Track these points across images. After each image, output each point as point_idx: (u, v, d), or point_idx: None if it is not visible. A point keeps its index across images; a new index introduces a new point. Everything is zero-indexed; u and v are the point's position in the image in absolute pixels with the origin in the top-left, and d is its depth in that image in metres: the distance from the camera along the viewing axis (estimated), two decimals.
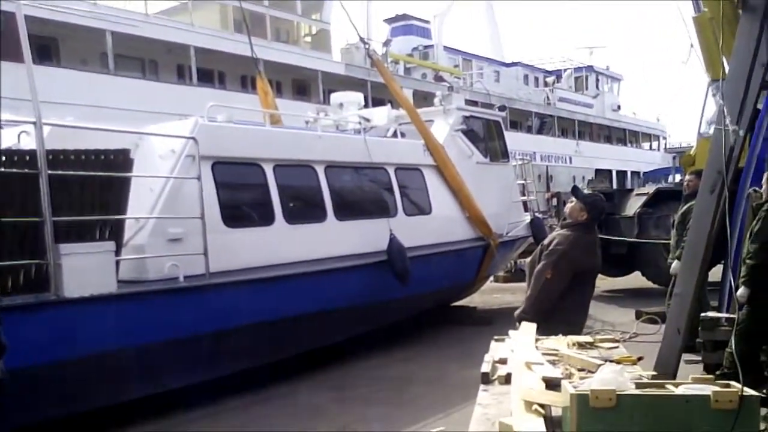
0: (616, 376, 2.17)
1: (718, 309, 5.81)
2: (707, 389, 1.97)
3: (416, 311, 8.16)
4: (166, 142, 5.69)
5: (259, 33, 19.44)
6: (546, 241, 4.09)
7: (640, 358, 2.75)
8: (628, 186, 31.38)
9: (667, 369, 3.79)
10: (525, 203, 10.59)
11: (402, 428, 4.76)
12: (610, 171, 36.32)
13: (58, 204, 4.64)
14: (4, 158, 4.53)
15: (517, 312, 3.98)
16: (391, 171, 7.94)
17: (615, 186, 30.45)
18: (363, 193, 7.68)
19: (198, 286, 5.39)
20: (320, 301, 6.36)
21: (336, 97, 9.73)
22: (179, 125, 5.97)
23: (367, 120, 8.74)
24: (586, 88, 39.17)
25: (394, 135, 8.78)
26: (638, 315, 8.27)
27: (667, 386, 2.08)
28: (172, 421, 5.12)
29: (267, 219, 6.34)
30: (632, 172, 37.51)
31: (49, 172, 4.59)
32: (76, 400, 4.70)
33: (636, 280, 11.26)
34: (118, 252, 5.00)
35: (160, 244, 5.37)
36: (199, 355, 5.42)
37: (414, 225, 7.87)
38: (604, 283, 11.96)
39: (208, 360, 5.50)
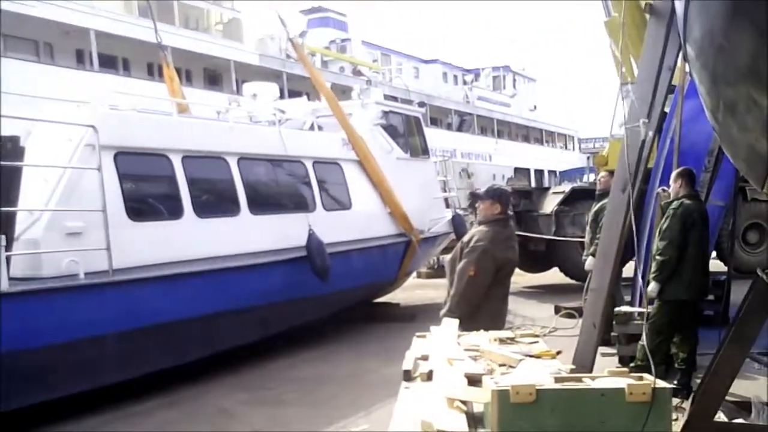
0: (536, 371, 2.23)
1: (631, 303, 6.02)
2: (622, 382, 2.02)
3: (337, 309, 8.08)
4: (62, 129, 5.36)
5: (167, 19, 18.69)
6: (465, 239, 4.11)
7: (558, 352, 2.79)
8: (546, 184, 32.36)
9: (584, 362, 3.89)
10: (446, 200, 10.72)
11: (320, 426, 4.68)
12: (528, 170, 37.36)
13: None
14: None
15: (443, 311, 3.96)
16: (309, 164, 7.82)
17: (533, 184, 31.52)
18: (279, 187, 7.52)
19: (99, 283, 5.11)
20: (234, 299, 6.16)
21: (249, 87, 9.51)
22: (77, 112, 5.64)
23: (283, 112, 8.60)
24: (504, 88, 40.32)
25: (312, 128, 8.70)
26: (557, 310, 8.46)
27: (585, 380, 2.11)
28: (73, 426, 4.84)
29: (175, 212, 6.09)
30: (549, 171, 38.54)
31: None
32: None
33: (554, 276, 11.59)
34: (8, 247, 4.67)
35: (57, 239, 5.05)
36: (102, 357, 5.15)
37: (333, 220, 7.79)
38: (523, 279, 12.24)
39: (111, 362, 5.23)
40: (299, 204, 7.61)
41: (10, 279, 4.62)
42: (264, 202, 7.16)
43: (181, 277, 5.74)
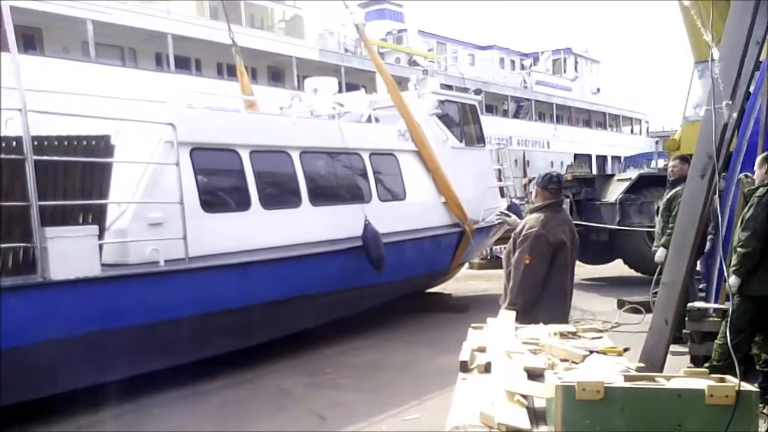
0: (603, 368, 2.15)
1: (706, 299, 5.65)
2: (701, 383, 1.90)
3: (390, 298, 8.20)
4: (145, 128, 5.81)
5: (234, 19, 19.40)
6: (518, 229, 4.07)
7: (626, 349, 2.67)
8: (609, 171, 30.85)
9: (654, 361, 3.67)
10: (501, 189, 10.65)
11: (374, 414, 4.82)
12: (589, 156, 36.22)
13: (43, 189, 4.80)
14: None
15: (505, 305, 3.90)
16: (366, 156, 8.03)
17: (595, 171, 30.26)
18: (337, 179, 7.78)
19: (177, 270, 5.56)
20: (294, 287, 6.48)
21: (310, 82, 9.87)
22: (158, 111, 6.07)
23: (341, 105, 8.90)
24: (565, 71, 39.01)
25: (369, 120, 8.92)
26: (620, 304, 8.12)
27: (658, 379, 2.01)
28: (143, 402, 5.24)
29: (243, 204, 6.49)
30: (613, 157, 37.37)
31: (35, 157, 4.75)
32: (60, 379, 4.85)
33: (617, 268, 11.18)
34: (101, 236, 5.17)
35: (141, 229, 5.54)
36: (177, 338, 5.55)
37: (388, 211, 7.95)
38: (583, 271, 11.80)
39: (186, 343, 5.63)
40: (356, 195, 7.83)
41: (102, 265, 5.14)
42: (323, 193, 7.45)
43: (247, 266, 6.12)
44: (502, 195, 10.75)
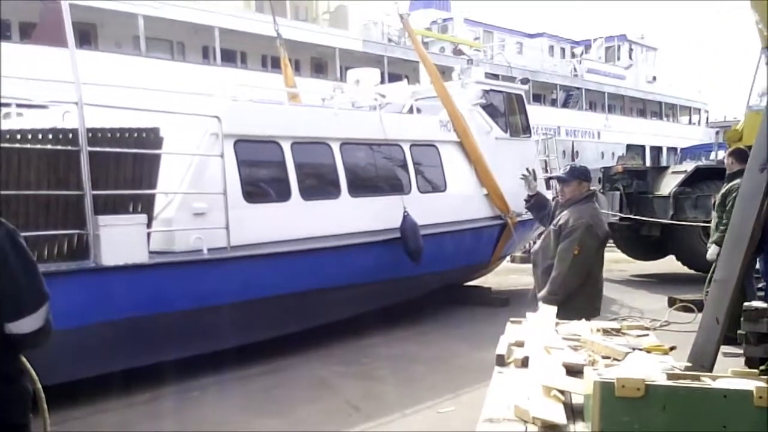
0: (646, 365, 2.09)
1: (765, 298, 5.43)
2: (749, 384, 1.81)
3: (427, 290, 8.18)
4: (192, 120, 5.99)
5: (279, 11, 19.72)
6: (559, 222, 4.02)
7: (672, 348, 2.58)
8: (663, 163, 29.79)
9: (702, 361, 3.54)
10: (547, 181, 10.45)
11: (408, 406, 4.86)
12: (642, 147, 35.07)
13: (96, 178, 5.06)
14: (50, 136, 4.96)
15: (542, 294, 3.92)
16: (406, 147, 8.03)
17: (648, 163, 29.23)
18: (377, 170, 7.82)
19: (220, 258, 5.75)
20: (332, 277, 6.58)
21: (353, 73, 9.94)
22: (204, 104, 6.25)
23: (383, 96, 8.92)
24: (618, 59, 37.69)
25: (410, 111, 8.91)
26: (671, 302, 7.82)
27: (703, 379, 1.94)
28: (183, 386, 5.42)
29: (284, 195, 6.63)
30: (668, 148, 36.08)
31: (89, 149, 5.01)
32: (109, 360, 5.10)
33: (669, 264, 10.85)
34: (149, 224, 5.40)
35: (186, 218, 5.75)
36: (219, 324, 5.71)
37: (428, 202, 7.93)
38: (632, 267, 11.60)
39: (227, 330, 5.80)
40: (395, 186, 7.86)
41: (150, 252, 5.37)
42: (362, 185, 7.51)
43: (287, 255, 6.26)
44: (548, 187, 10.55)
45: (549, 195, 6.93)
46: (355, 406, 4.99)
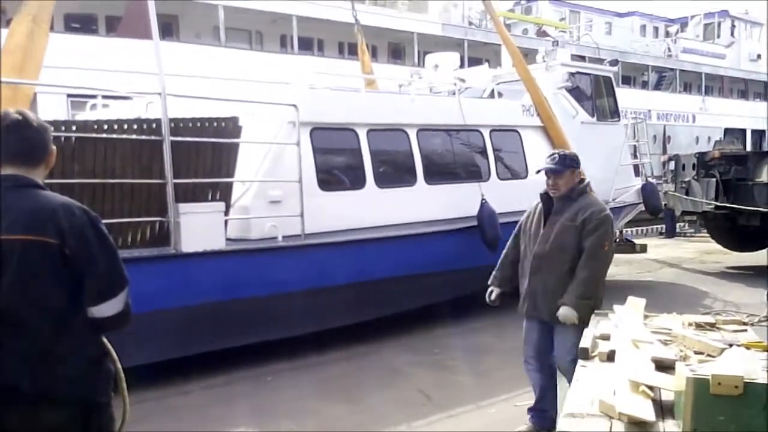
0: (744, 362, 1.98)
1: None
2: None
3: None
4: (270, 109, 6.03)
5: None
6: (581, 217, 3.64)
7: None
8: (766, 148, 27.97)
9: None
10: (636, 167, 10.00)
11: (483, 397, 4.77)
12: (743, 131, 32.48)
13: (177, 167, 5.18)
14: (135, 126, 5.12)
15: (568, 300, 3.56)
16: (486, 133, 7.82)
17: (749, 148, 27.28)
18: (454, 157, 7.65)
19: (294, 246, 5.77)
20: (406, 266, 6.48)
21: (431, 58, 9.74)
22: (282, 93, 6.28)
23: (463, 81, 8.68)
24: (718, 37, 35.08)
25: (491, 95, 8.66)
26: None
27: None
28: (258, 370, 5.49)
29: (358, 183, 6.60)
30: None
31: (171, 138, 5.11)
32: (187, 344, 5.23)
33: None
34: (226, 212, 5.49)
35: (262, 206, 5.81)
36: (292, 311, 5.76)
37: (507, 190, 7.68)
38: (728, 258, 11.13)
39: (301, 316, 5.84)
40: (473, 173, 7.69)
41: (226, 240, 5.46)
42: (439, 172, 7.38)
43: (361, 244, 6.22)
44: (637, 174, 9.97)
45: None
46: (428, 396, 4.91)
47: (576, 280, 3.61)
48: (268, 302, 5.55)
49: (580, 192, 3.79)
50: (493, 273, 4.30)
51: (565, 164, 3.76)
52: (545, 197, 3.90)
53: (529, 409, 4.10)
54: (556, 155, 3.85)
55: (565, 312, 3.58)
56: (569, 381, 3.43)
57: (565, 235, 3.69)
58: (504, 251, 4.28)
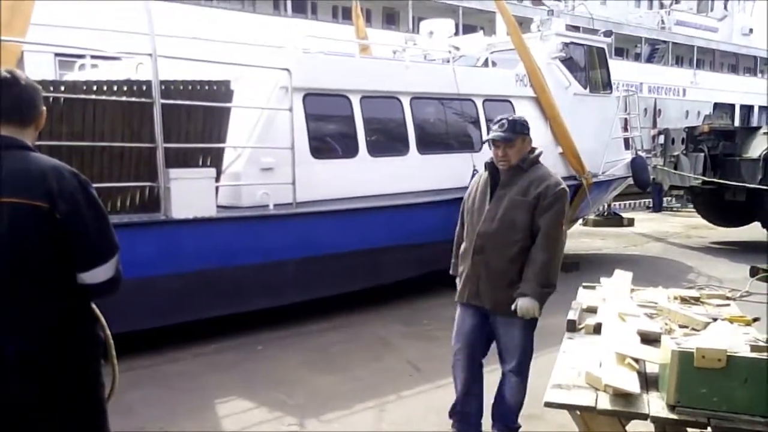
0: (727, 336, 2.02)
1: None
2: None
3: None
4: (262, 73, 5.89)
5: None
6: (537, 191, 3.13)
7: (755, 319, 2.50)
8: (755, 123, 28.16)
9: None
10: (626, 140, 10.00)
11: None
12: (732, 105, 32.62)
13: (167, 131, 5.07)
14: (125, 88, 4.98)
15: (527, 290, 3.06)
16: (479, 102, 7.76)
17: (737, 123, 27.48)
18: (447, 126, 7.57)
19: (285, 214, 5.72)
20: (398, 236, 6.46)
21: (426, 25, 9.56)
22: (275, 57, 6.13)
23: (457, 49, 8.54)
24: (711, 10, 34.99)
25: (485, 64, 8.57)
26: (753, 272, 7.39)
27: None
28: (247, 339, 5.51)
29: (351, 151, 6.53)
30: (761, 107, 33.48)
31: (162, 101, 4.99)
32: (176, 311, 5.20)
33: (753, 231, 10.30)
34: (218, 178, 5.42)
35: (254, 173, 5.73)
36: (283, 280, 5.75)
37: None
38: (712, 233, 11.24)
39: (292, 285, 5.83)
40: (466, 143, 7.63)
41: (217, 207, 5.38)
42: (432, 141, 7.32)
43: (353, 213, 6.17)
44: (627, 147, 9.99)
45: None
46: (417, 367, 4.94)
47: (534, 265, 3.07)
48: (259, 270, 5.52)
49: (532, 162, 3.24)
50: (453, 262, 3.70)
51: (515, 131, 3.19)
52: (491, 167, 3.33)
53: (451, 414, 3.52)
54: (504, 121, 3.22)
55: (525, 304, 3.04)
56: (507, 390, 3.25)
57: (515, 211, 3.14)
58: (455, 237, 3.68)
